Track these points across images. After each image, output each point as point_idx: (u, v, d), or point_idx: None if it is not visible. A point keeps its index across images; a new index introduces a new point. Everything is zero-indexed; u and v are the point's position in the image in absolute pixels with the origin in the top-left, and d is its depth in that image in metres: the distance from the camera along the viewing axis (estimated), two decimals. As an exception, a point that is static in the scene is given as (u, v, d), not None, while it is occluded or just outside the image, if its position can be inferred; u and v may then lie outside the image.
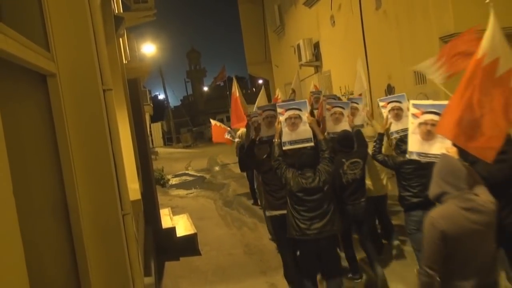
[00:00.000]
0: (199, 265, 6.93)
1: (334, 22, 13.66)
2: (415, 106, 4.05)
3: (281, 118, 4.70)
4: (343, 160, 5.04)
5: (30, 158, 2.17)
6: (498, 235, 2.93)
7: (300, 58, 15.72)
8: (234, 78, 9.39)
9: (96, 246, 2.52)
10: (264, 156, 5.30)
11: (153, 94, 58.53)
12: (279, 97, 9.41)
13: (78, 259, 2.39)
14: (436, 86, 8.98)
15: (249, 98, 22.67)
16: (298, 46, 15.64)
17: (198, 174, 17.46)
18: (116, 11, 7.49)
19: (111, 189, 2.63)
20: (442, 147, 3.55)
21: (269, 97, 21.93)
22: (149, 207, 6.99)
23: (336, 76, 14.28)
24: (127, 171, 3.89)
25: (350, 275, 5.35)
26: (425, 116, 3.91)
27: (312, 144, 4.62)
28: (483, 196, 2.72)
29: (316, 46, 15.30)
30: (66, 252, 2.38)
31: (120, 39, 7.60)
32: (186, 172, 18.52)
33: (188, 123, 44.60)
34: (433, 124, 3.81)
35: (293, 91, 8.45)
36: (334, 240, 4.56)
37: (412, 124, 4.02)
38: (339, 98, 6.51)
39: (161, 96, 61.06)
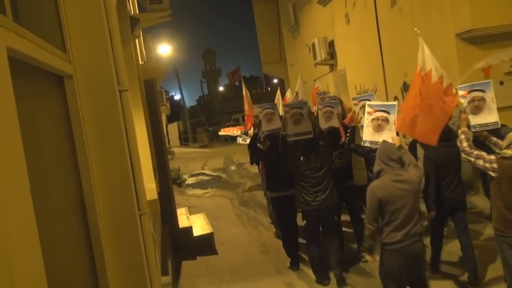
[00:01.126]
0: (216, 264, 6.94)
1: (348, 20, 13.53)
2: (369, 106, 5.22)
3: (287, 115, 5.68)
4: (332, 151, 5.92)
5: (48, 159, 2.19)
6: (447, 206, 4.69)
7: (315, 57, 15.62)
8: (242, 80, 10.38)
9: (113, 246, 2.53)
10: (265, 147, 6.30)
11: (169, 95, 58.92)
12: (288, 98, 9.70)
13: (96, 258, 2.40)
14: (453, 85, 8.85)
15: (265, 97, 22.68)
16: (313, 44, 15.54)
17: (214, 174, 17.51)
18: (132, 12, 7.55)
19: (128, 189, 2.64)
20: (388, 136, 4.65)
21: (283, 95, 21.94)
22: (166, 207, 7.02)
23: (351, 74, 14.16)
24: (143, 171, 3.90)
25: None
26: (376, 114, 5.01)
27: (312, 135, 5.62)
28: (411, 172, 3.80)
29: (331, 44, 15.18)
30: (84, 252, 2.39)
31: (136, 40, 7.65)
32: (202, 171, 18.60)
33: (204, 123, 44.74)
34: (383, 119, 4.92)
35: (297, 93, 8.97)
36: (334, 210, 5.76)
37: (366, 119, 5.13)
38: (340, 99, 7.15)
39: (177, 97, 61.39)
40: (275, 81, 42.03)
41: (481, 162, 3.81)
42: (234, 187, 13.58)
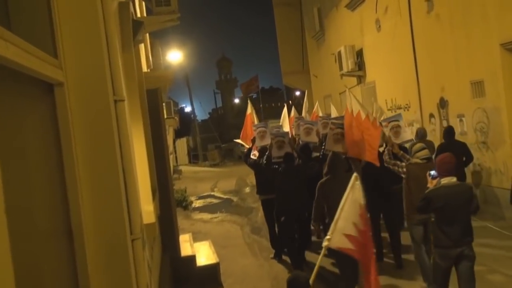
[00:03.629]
0: (221, 299, 6.90)
1: (379, 26, 13.59)
2: (332, 123, 7.89)
3: (272, 142, 8.38)
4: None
5: (33, 175, 2.23)
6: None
7: (341, 67, 15.68)
8: (248, 100, 12.39)
9: (100, 272, 2.56)
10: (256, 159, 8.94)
11: (179, 107, 59.43)
12: (315, 113, 10.33)
13: (80, 286, 2.43)
14: (497, 101, 8.77)
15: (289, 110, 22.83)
16: (339, 53, 15.62)
17: (225, 196, 17.52)
18: (139, 15, 7.71)
19: (119, 211, 2.67)
20: (342, 147, 7.31)
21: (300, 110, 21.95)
22: (167, 232, 7.04)
23: (381, 87, 14.14)
24: (141, 191, 3.95)
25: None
26: (336, 130, 7.64)
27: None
28: (348, 175, 4.97)
29: (359, 53, 15.23)
30: (67, 279, 2.42)
31: (142, 46, 7.79)
32: (212, 193, 18.62)
33: (216, 139, 45.01)
34: (341, 134, 7.49)
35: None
36: (304, 211, 7.66)
37: (329, 132, 7.87)
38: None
39: (188, 109, 61.92)
40: (297, 93, 42.11)
41: (396, 168, 6.38)
42: (246, 212, 13.56)
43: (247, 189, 18.34)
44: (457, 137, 9.91)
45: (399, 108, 12.78)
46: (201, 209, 15.34)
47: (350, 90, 8.01)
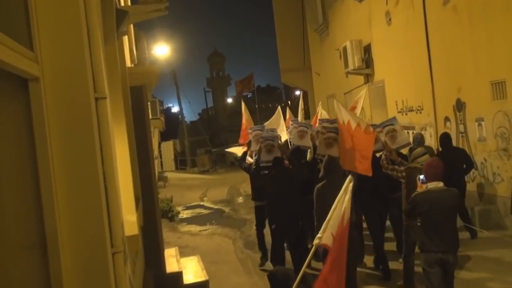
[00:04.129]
0: (210, 322, 6.89)
1: (390, 19, 13.66)
2: (323, 127, 8.13)
3: (261, 145, 8.71)
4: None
5: (3, 180, 2.23)
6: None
7: (346, 65, 15.74)
8: (242, 101, 13.03)
9: (77, 290, 2.56)
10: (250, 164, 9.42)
11: (165, 106, 59.54)
12: (320, 114, 10.65)
13: (55, 305, 2.43)
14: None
15: (284, 112, 22.85)
16: (345, 49, 15.67)
17: (216, 207, 17.50)
18: (123, 3, 7.71)
19: (99, 221, 2.68)
20: (335, 152, 7.39)
21: (307, 111, 21.98)
22: (151, 246, 7.02)
23: (391, 87, 14.20)
24: (123, 199, 3.95)
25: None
26: (328, 134, 7.82)
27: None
28: (344, 180, 5.36)
29: (367, 49, 15.30)
30: (41, 296, 2.42)
31: (126, 38, 7.80)
32: (201, 203, 18.59)
33: (207, 142, 44.98)
34: (333, 138, 7.67)
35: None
36: (297, 218, 8.20)
37: (320, 136, 8.08)
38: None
39: (175, 109, 61.98)
40: (297, 92, 42.19)
41: (394, 173, 7.05)
42: (239, 225, 13.55)
43: (240, 199, 18.33)
44: (475, 143, 9.95)
45: (411, 110, 12.84)
46: (189, 221, 15.29)
47: (337, 100, 8.56)
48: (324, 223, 5.03)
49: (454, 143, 10.50)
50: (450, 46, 10.87)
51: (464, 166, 9.17)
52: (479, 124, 10.10)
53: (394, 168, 7.09)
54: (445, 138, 9.44)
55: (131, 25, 9.12)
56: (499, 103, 9.43)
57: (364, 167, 6.86)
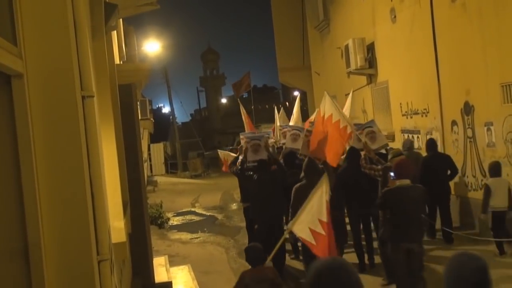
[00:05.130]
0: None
1: (395, 17, 13.69)
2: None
3: (248, 145, 9.59)
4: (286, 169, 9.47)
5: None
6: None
7: (348, 64, 15.74)
8: (239, 101, 14.80)
9: (61, 301, 2.56)
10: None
11: (155, 106, 59.47)
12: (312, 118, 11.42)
13: (37, 316, 2.43)
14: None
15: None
16: (347, 47, 15.68)
17: (208, 213, 17.51)
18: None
19: (85, 227, 2.68)
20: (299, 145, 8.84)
21: (306, 113, 22.00)
22: (139, 254, 7.02)
23: (395, 88, 14.21)
24: (110, 204, 3.96)
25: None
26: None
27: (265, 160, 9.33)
28: (317, 179, 6.22)
29: (370, 48, 15.30)
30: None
31: (115, 33, 7.81)
32: (192, 210, 18.59)
33: (199, 145, 44.93)
34: (297, 134, 9.57)
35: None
36: (281, 220, 9.03)
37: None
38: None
39: (166, 109, 61.86)
40: (296, 93, 42.19)
41: (372, 172, 8.10)
42: (232, 233, 13.56)
43: (234, 206, 18.31)
44: (483, 149, 9.95)
45: (416, 113, 12.87)
46: (179, 228, 15.30)
47: (327, 93, 9.37)
48: (298, 212, 5.89)
49: (461, 148, 10.57)
50: (459, 46, 10.91)
51: (449, 172, 9.98)
52: (488, 129, 10.12)
53: (372, 167, 8.26)
54: (431, 144, 10.38)
55: (120, 20, 9.13)
56: (510, 106, 9.45)
57: (333, 160, 8.39)
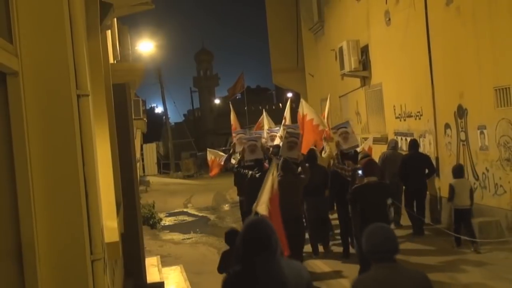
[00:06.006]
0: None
1: (389, 19, 13.73)
2: (287, 132, 10.19)
3: (245, 146, 10.57)
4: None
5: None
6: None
7: (342, 66, 15.77)
8: (230, 104, 15.49)
9: (54, 300, 2.55)
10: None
11: (148, 106, 59.37)
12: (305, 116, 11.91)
13: (30, 315, 2.42)
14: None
15: (275, 114, 22.94)
16: (341, 49, 15.71)
17: (200, 214, 17.54)
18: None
19: (79, 226, 2.67)
20: (294, 154, 9.40)
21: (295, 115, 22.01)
22: (131, 254, 7.01)
23: (389, 91, 14.25)
24: (103, 204, 3.94)
25: None
26: (290, 139, 9.83)
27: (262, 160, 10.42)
28: (290, 176, 8.28)
29: (364, 50, 15.35)
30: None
31: (109, 33, 7.79)
32: (185, 210, 18.62)
33: (192, 145, 44.91)
34: (294, 142, 9.78)
35: (285, 118, 13.40)
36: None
37: (284, 140, 10.05)
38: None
39: (159, 109, 61.83)
40: (289, 95, 42.24)
41: (343, 171, 9.19)
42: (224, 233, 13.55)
43: (226, 206, 18.33)
44: (476, 152, 10.00)
45: (410, 116, 12.91)
46: (172, 228, 15.33)
47: (302, 100, 11.58)
48: (259, 197, 6.82)
49: (454, 151, 10.64)
50: (453, 49, 10.95)
51: (426, 171, 10.73)
52: (481, 132, 10.17)
53: (343, 167, 9.43)
54: (413, 144, 11.17)
55: (115, 19, 9.11)
56: (503, 110, 9.49)
57: (304, 149, 10.16)
